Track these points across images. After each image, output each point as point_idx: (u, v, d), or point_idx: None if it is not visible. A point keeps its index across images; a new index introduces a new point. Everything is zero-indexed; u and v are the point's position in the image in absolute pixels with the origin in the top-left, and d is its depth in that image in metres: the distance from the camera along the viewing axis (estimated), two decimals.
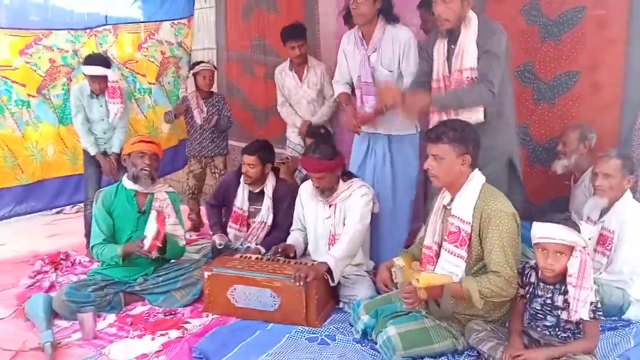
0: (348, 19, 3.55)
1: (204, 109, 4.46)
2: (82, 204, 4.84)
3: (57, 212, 5.40)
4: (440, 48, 2.99)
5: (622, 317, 2.75)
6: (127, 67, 4.79)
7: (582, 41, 3.56)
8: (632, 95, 3.48)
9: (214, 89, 4.72)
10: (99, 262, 3.52)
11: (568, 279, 2.16)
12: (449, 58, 2.95)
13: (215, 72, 4.62)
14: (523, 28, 3.73)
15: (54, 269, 3.75)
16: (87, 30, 4.46)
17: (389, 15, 3.34)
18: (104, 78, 3.90)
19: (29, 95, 4.12)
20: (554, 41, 3.66)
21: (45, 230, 4.95)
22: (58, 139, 4.33)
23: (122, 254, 3.06)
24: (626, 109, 3.50)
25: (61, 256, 3.97)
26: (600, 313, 2.19)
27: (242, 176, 3.58)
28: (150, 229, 2.98)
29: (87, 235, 4.04)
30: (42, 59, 4.17)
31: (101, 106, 3.96)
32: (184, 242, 3.39)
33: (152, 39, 4.92)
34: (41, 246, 4.38)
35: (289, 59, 4.25)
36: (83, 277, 3.48)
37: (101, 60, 3.95)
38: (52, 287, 3.44)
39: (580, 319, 2.16)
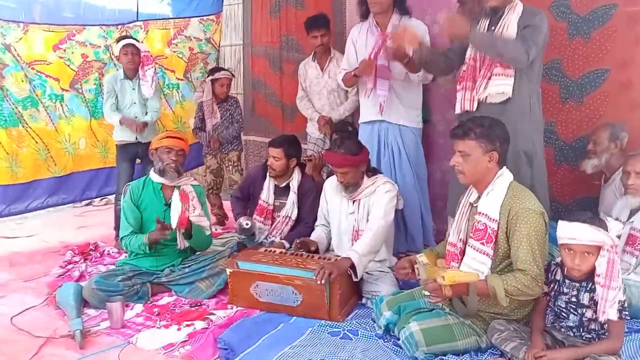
0: (364, 12, 3.60)
1: (217, 115, 4.55)
2: (110, 197, 4.98)
3: (86, 204, 5.54)
4: (480, 27, 2.97)
5: None
6: (157, 63, 4.86)
7: (612, 39, 3.50)
8: None
9: (233, 88, 4.83)
10: (127, 253, 3.61)
11: (596, 279, 2.14)
12: None
13: (233, 79, 4.70)
14: (551, 24, 3.61)
15: (83, 260, 3.84)
16: (119, 26, 4.57)
17: (403, 7, 3.44)
18: (137, 50, 3.99)
19: (62, 89, 4.24)
20: (582, 38, 3.60)
21: (75, 221, 5.08)
22: (90, 132, 4.45)
23: (149, 242, 3.13)
24: None
25: (90, 247, 4.07)
26: (627, 313, 2.16)
27: (268, 169, 3.62)
28: (175, 206, 3.06)
29: (117, 227, 4.14)
30: (75, 54, 4.29)
31: (134, 89, 4.03)
32: (210, 233, 3.43)
33: (181, 35, 5.01)
34: (71, 237, 4.50)
35: (313, 51, 4.28)
36: (112, 267, 3.57)
37: (129, 36, 4.08)
38: (81, 276, 3.53)
39: (607, 319, 2.13)
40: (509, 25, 2.87)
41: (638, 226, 2.82)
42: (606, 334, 2.20)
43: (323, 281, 2.75)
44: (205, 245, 3.41)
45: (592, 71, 3.59)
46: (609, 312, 2.11)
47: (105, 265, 3.77)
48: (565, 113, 3.73)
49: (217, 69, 4.72)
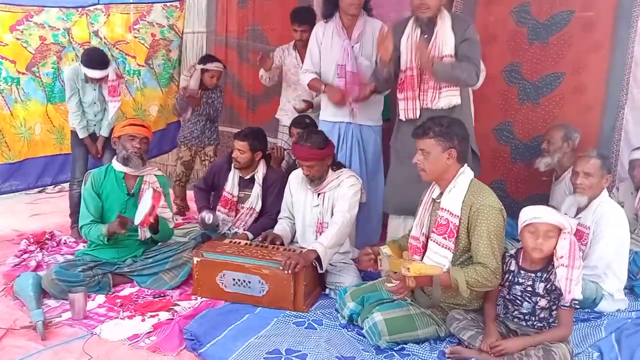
0: (329, 12, 3.57)
1: (200, 104, 4.48)
2: (64, 184, 4.84)
3: (39, 192, 5.37)
4: (411, 38, 3.10)
5: (595, 309, 2.89)
6: (117, 48, 4.76)
7: (568, 44, 3.70)
8: (614, 97, 3.65)
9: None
10: (85, 242, 3.54)
11: (560, 261, 2.26)
12: None
13: (223, 70, 4.60)
14: (512, 29, 3.85)
15: (39, 249, 3.74)
16: (79, 9, 4.41)
17: (367, 7, 3.49)
18: (104, 79, 3.91)
19: (18, 72, 4.07)
20: (541, 43, 3.78)
21: (28, 209, 4.92)
22: (46, 117, 4.30)
23: (107, 233, 3.08)
24: (608, 110, 3.67)
25: (47, 236, 3.96)
26: (577, 302, 2.31)
27: (233, 161, 3.62)
28: (145, 204, 3.00)
29: (72, 215, 4.06)
30: (33, 36, 4.12)
31: (94, 90, 3.94)
32: (173, 225, 3.42)
33: (143, 20, 4.89)
34: (24, 225, 4.38)
35: (294, 41, 4.28)
36: (69, 257, 3.51)
37: (100, 61, 3.86)
38: (38, 266, 3.44)
39: (560, 305, 2.28)
40: (447, 38, 3.01)
41: (585, 222, 2.99)
42: (556, 322, 2.35)
43: (289, 271, 2.80)
44: (167, 237, 3.39)
45: (549, 74, 3.78)
46: (574, 290, 2.24)
47: (62, 254, 3.69)
48: (522, 113, 3.91)
49: (210, 58, 4.56)
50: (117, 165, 3.26)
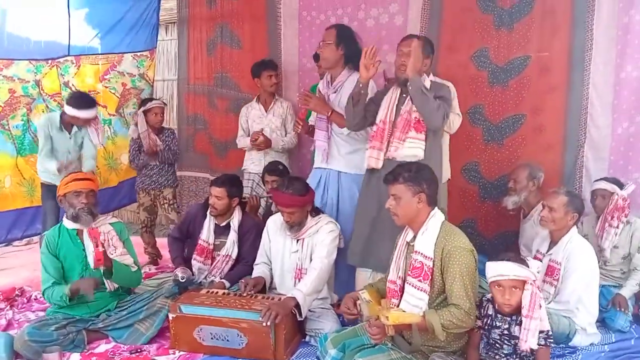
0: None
1: (158, 143, 4.50)
2: (33, 237, 4.75)
3: (6, 245, 5.22)
4: (392, 95, 3.25)
5: (569, 344, 2.96)
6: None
7: (527, 87, 3.88)
8: (572, 137, 3.82)
9: (165, 123, 4.82)
10: None
11: (522, 311, 2.35)
12: (398, 105, 3.20)
13: (165, 108, 4.68)
14: (473, 73, 4.02)
15: (9, 306, 3.64)
16: (49, 61, 4.43)
17: (354, 62, 3.50)
18: (86, 121, 3.94)
19: None
20: (501, 86, 3.96)
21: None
22: (16, 170, 4.26)
23: (70, 292, 3.00)
24: (568, 149, 3.84)
25: (16, 292, 3.87)
26: (551, 340, 2.38)
27: (209, 208, 3.62)
28: (88, 246, 2.97)
29: None
30: (2, 89, 4.13)
31: (70, 138, 3.93)
32: (138, 269, 3.30)
33: (114, 70, 4.93)
34: None
35: (257, 95, 4.41)
36: (41, 313, 3.42)
37: (89, 100, 3.96)
38: (9, 325, 3.35)
39: (530, 348, 2.33)
40: None
41: (556, 258, 3.09)
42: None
43: (269, 323, 2.79)
44: (135, 281, 3.31)
45: (510, 116, 3.95)
46: (530, 341, 2.32)
47: (33, 312, 3.59)
48: (487, 154, 4.05)
49: (148, 99, 4.68)
50: (67, 223, 3.18)
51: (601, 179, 3.53)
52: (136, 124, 4.54)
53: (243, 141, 4.48)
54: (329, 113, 3.49)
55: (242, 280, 3.29)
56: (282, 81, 4.65)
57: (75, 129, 3.96)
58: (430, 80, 3.20)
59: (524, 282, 2.36)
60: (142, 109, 4.51)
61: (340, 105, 3.53)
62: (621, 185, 3.42)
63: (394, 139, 3.16)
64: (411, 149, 3.13)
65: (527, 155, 3.89)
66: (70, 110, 3.86)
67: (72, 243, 3.16)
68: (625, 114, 3.66)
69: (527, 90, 3.88)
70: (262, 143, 4.24)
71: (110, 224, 3.26)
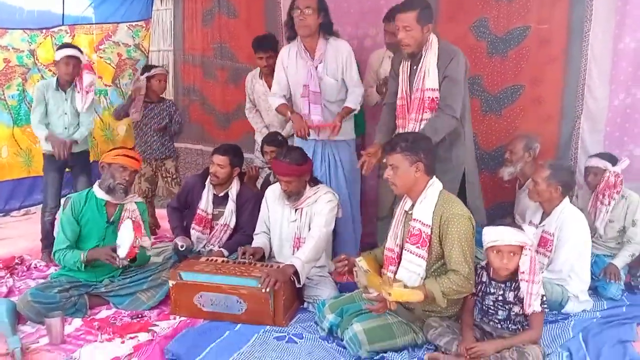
0: (291, 34, 3.63)
1: (137, 116, 4.48)
2: (31, 207, 4.76)
3: (3, 216, 5.23)
4: (404, 67, 3.24)
5: (562, 311, 3.03)
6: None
7: (526, 58, 3.87)
8: (569, 108, 3.83)
9: (165, 94, 4.77)
10: (56, 266, 3.49)
11: (521, 276, 2.40)
12: (411, 77, 3.19)
13: (167, 76, 4.66)
14: (472, 43, 4.00)
15: (9, 274, 3.67)
16: (43, 31, 4.38)
17: (329, 30, 3.55)
18: (78, 62, 3.84)
19: None
20: (500, 57, 3.94)
21: None
22: (12, 140, 4.24)
23: (87, 260, 3.04)
24: (564, 121, 3.85)
25: (16, 260, 3.89)
26: (546, 305, 2.45)
27: (209, 178, 3.64)
28: (127, 237, 2.99)
29: (44, 239, 3.99)
30: None
31: (66, 99, 3.87)
32: (150, 252, 3.40)
33: (108, 40, 4.88)
34: None
35: (259, 69, 4.32)
36: (41, 281, 3.45)
37: (74, 46, 3.94)
38: (10, 292, 3.38)
39: (534, 311, 2.39)
40: (430, 71, 3.11)
41: (549, 229, 3.13)
42: (529, 324, 2.46)
43: (268, 289, 2.83)
44: (144, 263, 3.37)
45: (509, 87, 3.94)
46: (534, 304, 2.38)
47: (34, 279, 3.63)
48: (485, 125, 4.06)
49: (152, 66, 4.64)
50: (98, 192, 3.21)
51: (594, 156, 3.53)
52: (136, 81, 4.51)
53: (253, 117, 4.42)
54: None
55: (241, 248, 3.32)
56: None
57: (70, 90, 3.89)
58: (438, 49, 3.13)
59: (522, 248, 2.41)
60: (146, 74, 4.47)
61: (329, 75, 3.54)
62: (615, 161, 3.42)
63: (411, 121, 3.17)
64: None
65: (525, 126, 3.91)
66: (58, 53, 3.82)
67: (97, 212, 3.20)
68: (622, 86, 3.67)
69: (526, 61, 3.87)
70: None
71: (135, 202, 3.30)
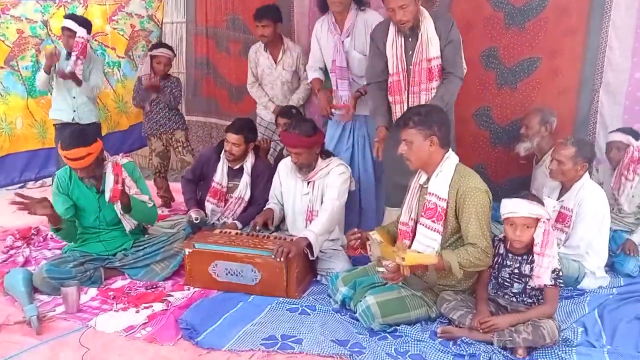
0: (322, 6, 3.60)
1: (160, 90, 4.39)
2: (47, 179, 4.79)
3: (20, 187, 5.27)
4: (396, 43, 3.15)
5: (578, 287, 3.01)
6: (96, 40, 4.70)
7: (544, 29, 3.77)
8: (588, 81, 3.75)
9: (175, 67, 4.74)
10: None
11: (534, 249, 2.38)
12: (406, 51, 3.12)
13: (173, 58, 4.54)
14: (489, 14, 3.90)
15: (26, 244, 3.71)
16: (56, 1, 4.36)
17: (361, 2, 3.48)
18: (72, 33, 3.83)
19: None
20: (517, 28, 3.85)
21: (10, 205, 4.83)
22: (27, 111, 4.26)
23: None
24: (583, 94, 3.77)
25: (32, 231, 3.93)
26: (561, 281, 2.43)
27: (223, 153, 3.63)
28: (108, 180, 2.98)
29: None
30: (10, 30, 4.07)
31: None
32: (153, 205, 3.30)
33: (121, 11, 4.85)
34: (8, 221, 4.26)
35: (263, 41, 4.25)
36: (57, 251, 3.49)
37: (80, 19, 3.89)
38: (27, 262, 3.42)
39: (544, 285, 2.37)
40: (432, 40, 3.07)
41: (567, 205, 3.09)
42: (543, 299, 2.45)
43: (282, 259, 2.84)
44: (151, 217, 3.33)
45: (525, 59, 3.85)
46: (543, 277, 2.36)
47: (50, 249, 3.66)
48: (500, 98, 3.98)
49: (159, 44, 4.58)
50: None
51: (616, 130, 3.48)
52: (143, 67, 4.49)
53: (256, 92, 4.37)
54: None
55: (253, 221, 3.33)
56: (294, 25, 4.54)
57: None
58: (432, 16, 3.09)
59: (537, 220, 2.38)
60: (150, 53, 4.44)
61: (356, 49, 3.48)
62: (638, 136, 3.36)
63: (420, 91, 3.12)
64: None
65: (541, 99, 3.83)
66: (63, 23, 3.86)
67: (85, 185, 3.17)
68: None
69: (544, 32, 3.77)
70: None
71: (121, 164, 3.26)
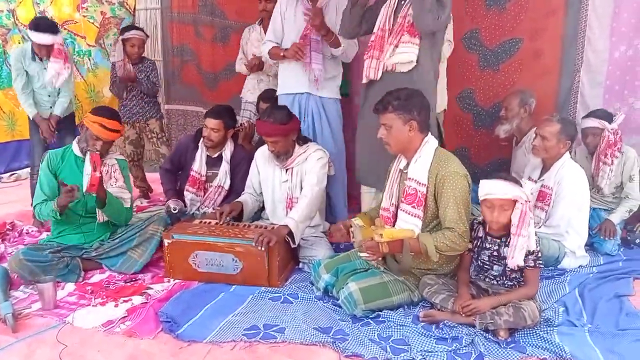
0: None
1: (133, 72, 4.31)
2: (20, 172, 4.68)
3: None
4: (390, 2, 3.08)
5: (558, 267, 3.02)
6: (65, 29, 4.57)
7: (525, 9, 3.76)
8: (569, 61, 3.74)
9: (150, 55, 4.63)
10: (48, 231, 3.43)
11: (511, 229, 2.36)
12: (396, 12, 3.05)
13: (147, 40, 4.44)
14: None
15: (1, 240, 3.63)
16: None
17: None
18: (51, 45, 3.71)
19: None
20: (498, 9, 3.82)
21: None
22: None
23: (58, 207, 2.96)
24: (564, 74, 3.77)
25: (7, 226, 3.84)
26: (541, 262, 2.42)
27: (202, 140, 3.56)
28: (87, 170, 2.92)
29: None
30: None
31: (45, 68, 3.77)
32: (130, 206, 3.27)
33: None
34: None
35: (260, 17, 4.25)
36: None
37: (49, 26, 3.71)
38: (1, 258, 3.34)
39: (518, 265, 2.36)
40: None
41: (548, 183, 3.09)
42: (524, 281, 2.44)
43: (263, 248, 2.80)
44: (123, 218, 3.26)
45: (507, 40, 3.84)
46: (517, 257, 2.34)
47: (25, 244, 3.56)
48: (483, 80, 3.97)
49: (130, 27, 4.44)
50: (76, 149, 3.14)
51: (588, 116, 3.44)
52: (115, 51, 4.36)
53: (239, 65, 4.36)
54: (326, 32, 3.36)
55: (217, 208, 3.26)
56: None
57: (47, 61, 3.76)
58: None
59: (514, 202, 2.36)
60: (121, 37, 4.31)
61: (330, 24, 3.41)
62: (610, 118, 3.34)
63: (388, 45, 3.02)
64: (404, 54, 2.98)
65: (523, 81, 3.82)
66: (30, 35, 3.68)
67: (75, 166, 3.13)
68: (624, 37, 3.58)
69: (525, 13, 3.76)
70: (255, 66, 4.15)
71: (116, 158, 3.22)
